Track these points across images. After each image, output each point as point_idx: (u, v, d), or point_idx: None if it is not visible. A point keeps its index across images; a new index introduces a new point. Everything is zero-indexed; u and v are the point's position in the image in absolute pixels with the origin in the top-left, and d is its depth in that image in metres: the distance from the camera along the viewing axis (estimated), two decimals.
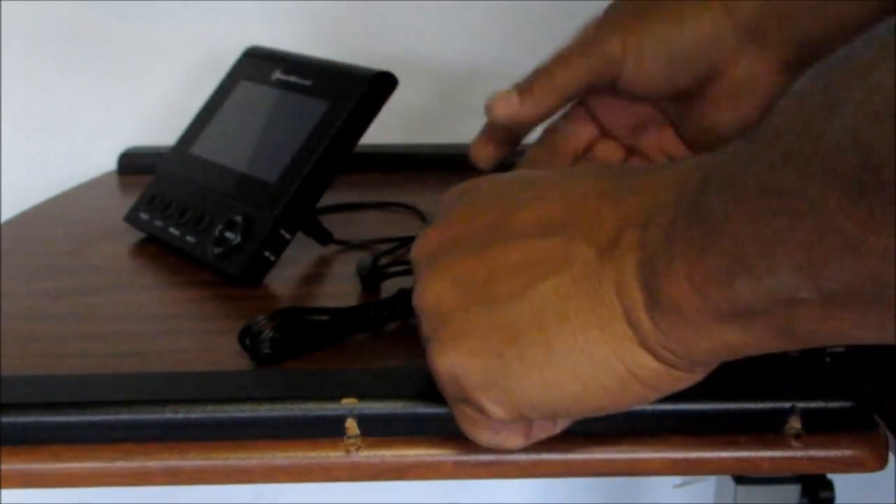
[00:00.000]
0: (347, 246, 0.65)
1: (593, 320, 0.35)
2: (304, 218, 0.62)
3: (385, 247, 0.63)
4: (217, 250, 0.61)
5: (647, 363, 0.35)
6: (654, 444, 0.44)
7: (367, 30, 0.90)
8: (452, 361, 0.37)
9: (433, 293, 0.39)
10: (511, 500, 1.08)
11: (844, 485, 0.63)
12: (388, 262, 0.59)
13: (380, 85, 0.62)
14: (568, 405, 0.37)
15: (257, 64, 0.71)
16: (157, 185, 0.70)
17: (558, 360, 0.35)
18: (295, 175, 0.61)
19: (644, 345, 0.35)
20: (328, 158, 0.61)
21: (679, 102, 0.55)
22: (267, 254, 0.60)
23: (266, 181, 0.62)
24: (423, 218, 0.69)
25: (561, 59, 0.54)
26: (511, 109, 0.55)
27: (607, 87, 0.54)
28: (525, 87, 0.55)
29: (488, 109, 0.55)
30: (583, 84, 0.54)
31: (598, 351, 0.35)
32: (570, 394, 0.36)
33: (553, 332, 0.35)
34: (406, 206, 0.72)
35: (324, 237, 0.65)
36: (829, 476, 0.57)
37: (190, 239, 0.64)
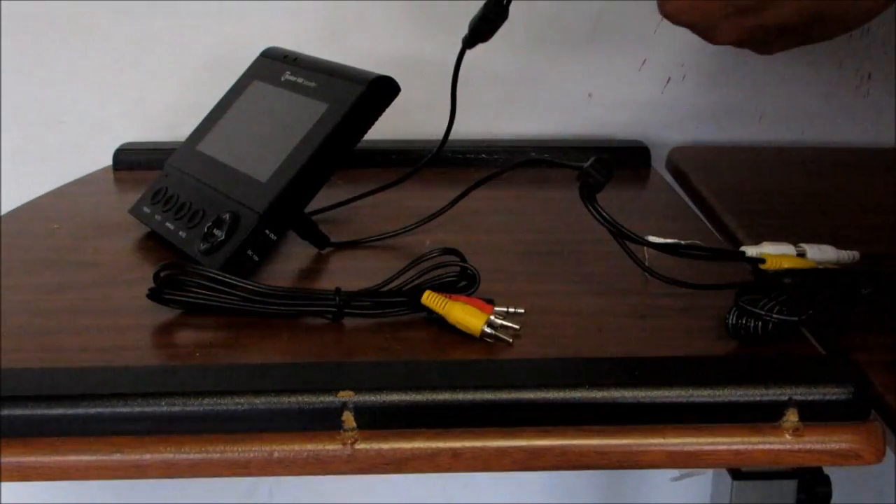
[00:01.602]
0: (346, 246, 0.65)
1: None
2: (292, 219, 0.62)
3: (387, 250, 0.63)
4: (203, 246, 0.61)
5: None
6: (651, 436, 0.44)
7: (367, 29, 0.90)
8: None
9: None
10: (509, 501, 1.08)
11: (846, 485, 0.63)
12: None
13: (379, 90, 0.62)
14: None
15: (271, 64, 0.72)
16: (164, 180, 0.70)
17: None
18: (284, 175, 0.61)
19: None
20: (320, 160, 0.61)
21: None
22: (250, 252, 0.59)
23: (258, 180, 0.62)
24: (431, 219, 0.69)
25: None
26: None
27: None
28: None
29: None
30: None
31: None
32: None
33: None
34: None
35: (320, 241, 0.64)
36: (832, 476, 0.57)
37: (182, 234, 0.64)
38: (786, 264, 0.55)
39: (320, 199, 0.64)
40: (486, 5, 0.60)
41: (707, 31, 0.49)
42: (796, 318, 0.49)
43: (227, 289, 0.53)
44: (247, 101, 0.71)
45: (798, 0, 0.45)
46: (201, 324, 0.54)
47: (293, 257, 0.64)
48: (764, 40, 0.49)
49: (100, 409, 0.44)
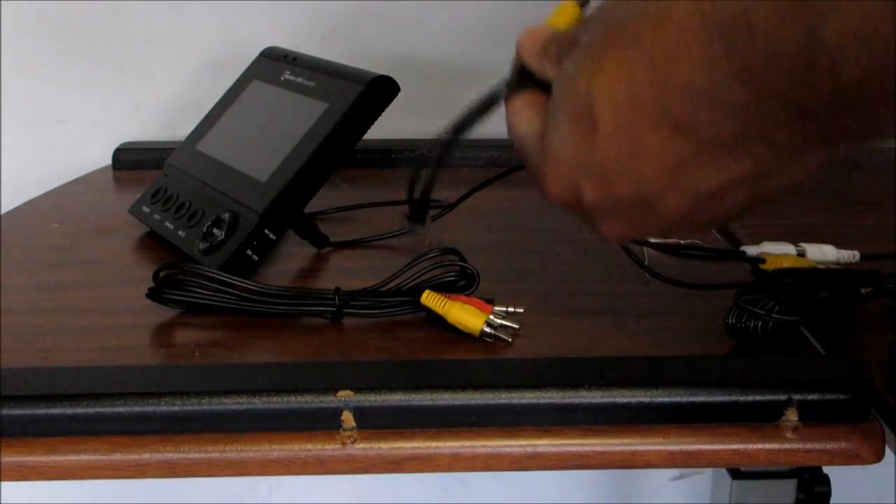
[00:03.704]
0: (346, 246, 0.65)
1: None
2: (292, 219, 0.62)
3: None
4: (202, 245, 0.61)
5: None
6: (651, 436, 0.44)
7: (366, 28, 0.90)
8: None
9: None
10: (509, 501, 1.08)
11: (846, 485, 0.63)
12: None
13: (379, 89, 0.62)
14: None
15: (270, 64, 0.72)
16: (163, 180, 0.70)
17: None
18: (284, 175, 0.61)
19: None
20: (320, 160, 0.61)
21: None
22: (249, 252, 0.59)
23: (257, 180, 0.62)
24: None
25: None
26: None
27: None
28: None
29: None
30: None
31: None
32: None
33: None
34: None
35: (320, 241, 0.64)
36: (832, 476, 0.57)
37: (181, 234, 0.64)
38: (786, 264, 0.55)
39: (330, 199, 0.64)
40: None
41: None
42: (796, 318, 0.49)
43: (226, 288, 0.53)
44: (246, 100, 0.71)
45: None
46: (201, 324, 0.54)
47: (293, 257, 0.64)
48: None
49: (100, 409, 0.44)
